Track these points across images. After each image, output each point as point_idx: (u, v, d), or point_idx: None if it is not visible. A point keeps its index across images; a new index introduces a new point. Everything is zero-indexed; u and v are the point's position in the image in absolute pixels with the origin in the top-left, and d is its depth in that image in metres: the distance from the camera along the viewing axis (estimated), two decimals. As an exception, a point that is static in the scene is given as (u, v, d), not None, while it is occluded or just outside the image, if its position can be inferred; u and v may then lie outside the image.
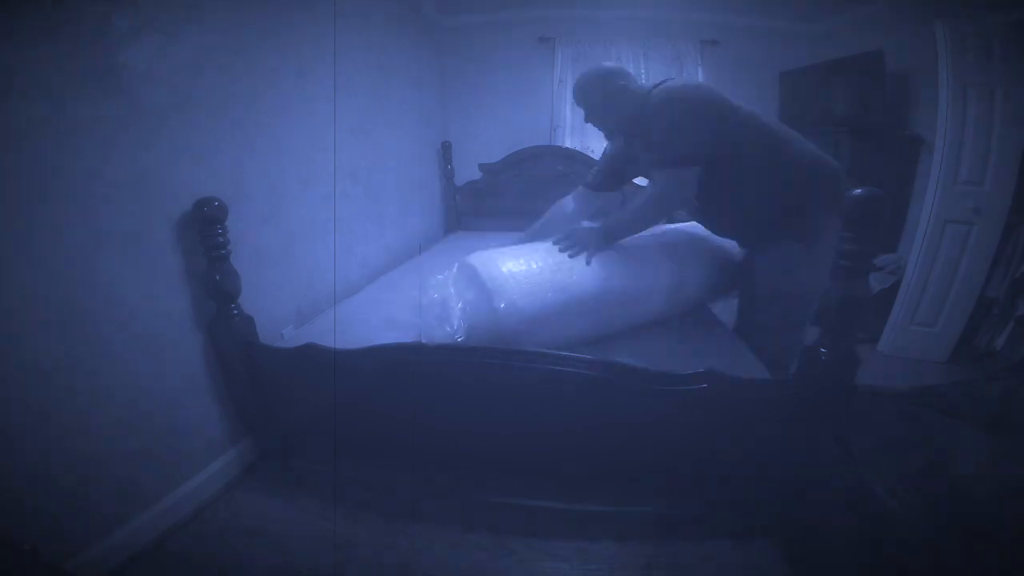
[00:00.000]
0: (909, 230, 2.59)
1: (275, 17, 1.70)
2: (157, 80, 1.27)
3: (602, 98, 1.53)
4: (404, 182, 2.90)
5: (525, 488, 1.44)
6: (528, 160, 3.48)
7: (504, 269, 1.43)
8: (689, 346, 1.51)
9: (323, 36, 1.97)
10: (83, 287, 1.13)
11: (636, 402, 1.25)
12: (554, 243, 1.57)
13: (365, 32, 2.36)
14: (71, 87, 1.08)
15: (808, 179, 1.44)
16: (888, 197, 1.12)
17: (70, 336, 1.10)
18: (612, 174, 1.79)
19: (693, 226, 1.90)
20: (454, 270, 1.58)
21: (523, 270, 1.44)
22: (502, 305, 1.37)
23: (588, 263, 1.48)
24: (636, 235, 1.62)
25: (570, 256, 1.50)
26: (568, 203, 1.86)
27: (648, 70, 3.38)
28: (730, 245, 1.82)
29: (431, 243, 3.12)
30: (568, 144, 3.50)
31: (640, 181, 1.93)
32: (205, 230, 1.36)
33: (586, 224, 1.69)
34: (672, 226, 2.00)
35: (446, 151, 3.44)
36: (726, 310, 1.93)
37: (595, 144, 3.51)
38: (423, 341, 1.38)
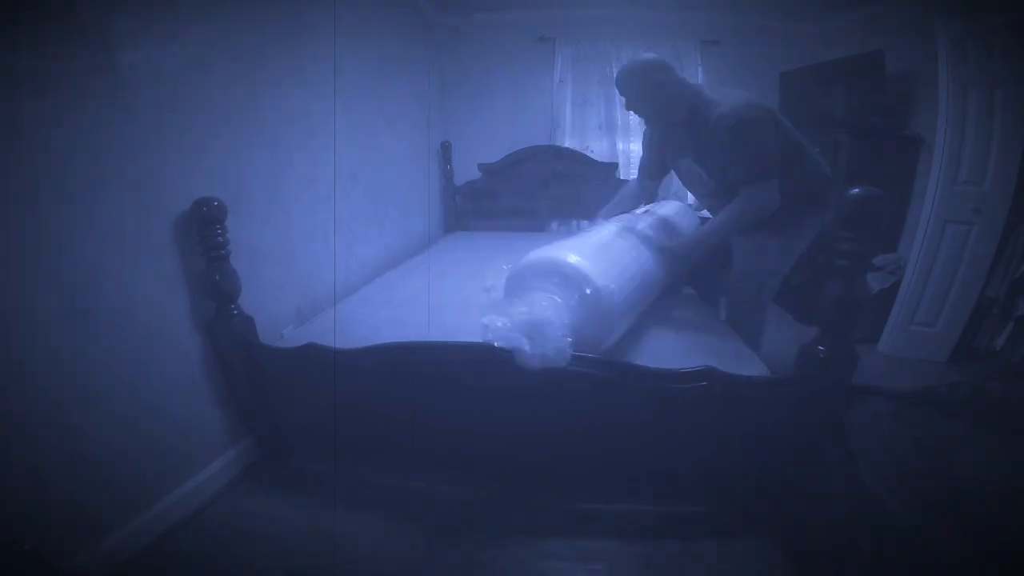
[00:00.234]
0: (909, 230, 2.59)
1: (275, 17, 1.70)
2: (157, 80, 1.27)
3: (639, 92, 1.64)
4: (404, 182, 2.90)
5: (525, 487, 1.44)
6: (527, 160, 3.48)
7: (587, 259, 1.34)
8: (688, 344, 1.51)
9: (323, 36, 1.97)
10: (83, 287, 1.13)
11: (635, 400, 1.25)
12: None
13: (365, 32, 2.36)
14: (71, 87, 1.08)
15: (806, 183, 1.62)
16: (888, 197, 1.12)
17: (70, 336, 1.10)
18: (656, 162, 1.95)
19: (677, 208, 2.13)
20: (517, 280, 1.39)
21: (600, 255, 1.42)
22: (609, 287, 1.29)
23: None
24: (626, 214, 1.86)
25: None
26: (632, 186, 2.12)
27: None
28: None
29: (431, 243, 3.12)
30: (568, 144, 3.50)
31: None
32: (204, 230, 1.36)
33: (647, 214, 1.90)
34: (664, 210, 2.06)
35: (445, 151, 3.44)
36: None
37: (595, 144, 3.51)
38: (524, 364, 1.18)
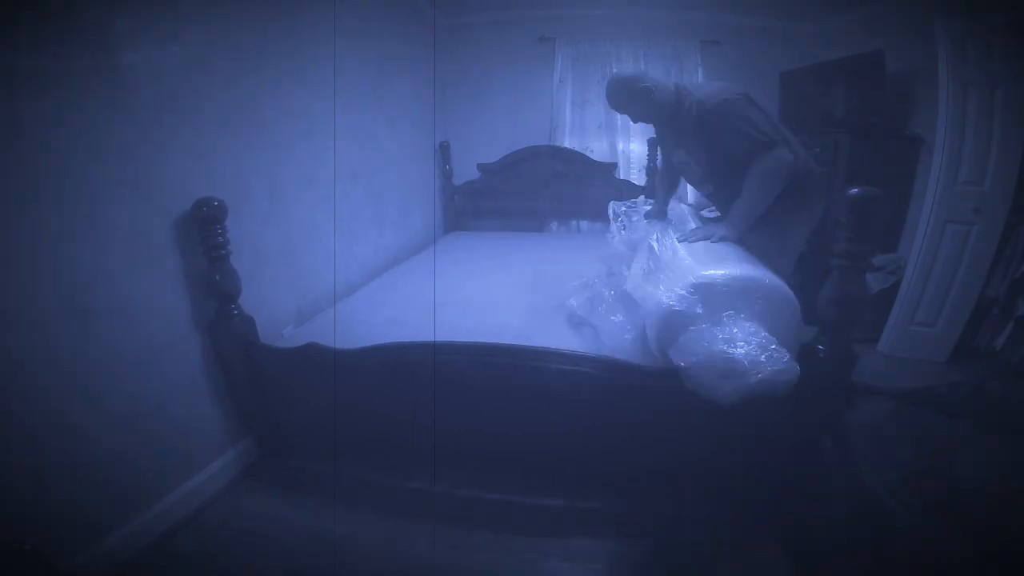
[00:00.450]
0: (909, 230, 2.59)
1: (275, 17, 1.70)
2: (157, 80, 1.27)
3: (627, 99, 1.71)
4: (403, 182, 2.90)
5: (526, 487, 1.44)
6: (527, 160, 3.48)
7: (751, 265, 1.30)
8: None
9: (323, 36, 1.97)
10: (83, 287, 1.13)
11: (636, 400, 1.25)
12: (682, 240, 1.64)
13: (365, 32, 2.36)
14: (71, 87, 1.08)
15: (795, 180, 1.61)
16: (888, 197, 1.12)
17: (70, 336, 1.10)
18: (666, 160, 1.98)
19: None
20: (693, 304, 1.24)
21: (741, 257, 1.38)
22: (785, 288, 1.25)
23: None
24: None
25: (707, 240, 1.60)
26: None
27: (648, 70, 3.38)
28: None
29: (430, 243, 3.12)
30: (568, 144, 3.50)
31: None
32: (205, 230, 1.36)
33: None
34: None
35: (444, 151, 3.44)
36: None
37: (595, 144, 3.51)
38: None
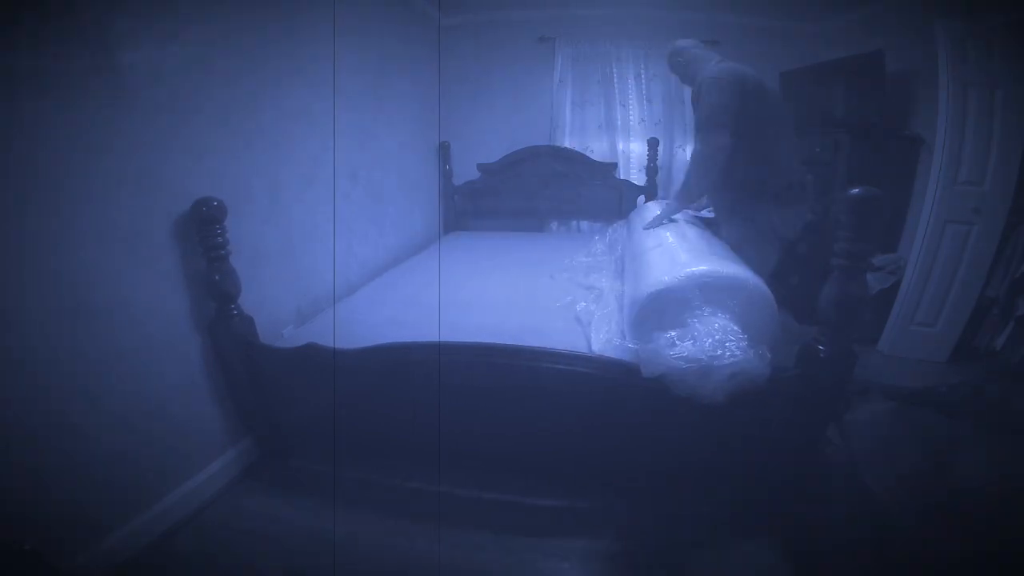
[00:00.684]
0: (909, 230, 2.59)
1: (275, 17, 1.70)
2: (157, 80, 1.27)
3: (672, 67, 1.94)
4: (403, 182, 2.90)
5: (526, 487, 1.44)
6: (527, 160, 3.48)
7: (728, 261, 1.33)
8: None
9: (323, 36, 1.97)
10: (83, 288, 1.13)
11: (634, 399, 1.25)
12: (647, 228, 1.84)
13: (365, 32, 2.36)
14: (71, 87, 1.08)
15: (773, 180, 1.72)
16: (888, 197, 1.12)
17: (70, 336, 1.10)
18: None
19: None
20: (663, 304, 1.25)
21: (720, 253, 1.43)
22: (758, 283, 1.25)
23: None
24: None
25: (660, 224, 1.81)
26: None
27: (648, 70, 3.38)
28: None
29: (430, 243, 3.12)
30: (568, 144, 3.50)
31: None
32: (204, 230, 1.36)
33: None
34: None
35: (444, 151, 3.44)
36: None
37: (595, 144, 3.51)
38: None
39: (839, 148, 2.58)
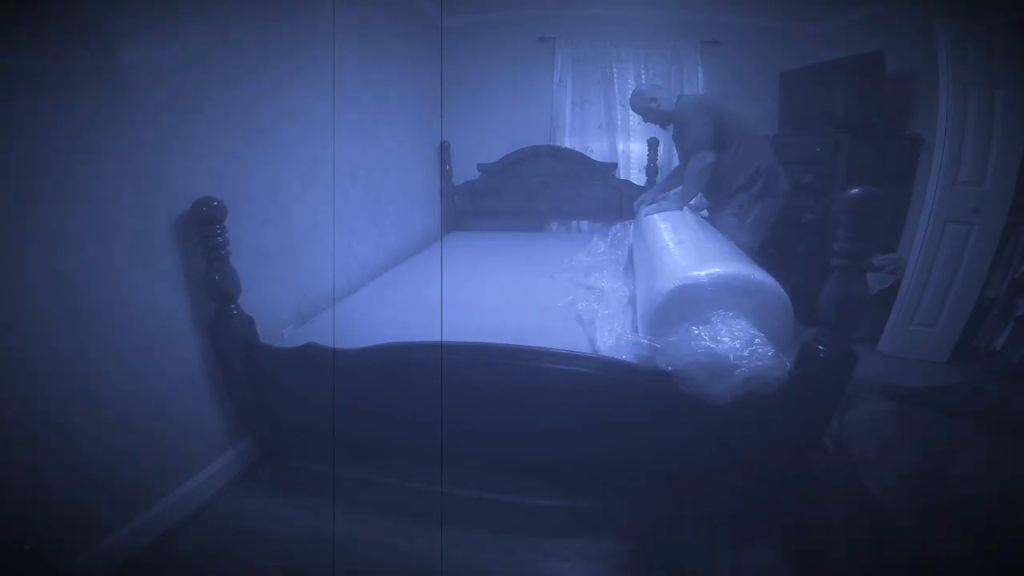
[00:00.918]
0: (909, 230, 2.59)
1: (275, 17, 1.70)
2: (157, 80, 1.27)
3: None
4: (403, 182, 2.90)
5: (526, 487, 1.44)
6: (527, 160, 3.48)
7: (741, 263, 1.32)
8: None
9: (323, 36, 1.97)
10: (83, 287, 1.13)
11: (635, 399, 1.25)
12: (646, 214, 2.24)
13: (365, 32, 2.36)
14: (71, 87, 1.08)
15: (743, 170, 2.15)
16: (887, 197, 1.12)
17: (70, 336, 1.10)
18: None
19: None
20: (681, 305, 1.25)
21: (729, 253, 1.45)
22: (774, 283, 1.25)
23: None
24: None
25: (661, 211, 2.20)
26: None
27: (648, 70, 3.38)
28: None
29: (430, 243, 3.12)
30: (568, 144, 3.50)
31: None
32: (204, 230, 1.36)
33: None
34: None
35: (444, 151, 3.44)
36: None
37: (595, 144, 3.51)
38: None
39: (839, 148, 2.58)
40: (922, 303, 2.41)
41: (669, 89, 2.94)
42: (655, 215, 2.16)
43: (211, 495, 1.47)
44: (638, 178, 3.45)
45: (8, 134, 0.98)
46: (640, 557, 1.28)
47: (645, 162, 3.34)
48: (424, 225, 3.22)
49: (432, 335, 1.37)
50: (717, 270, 1.26)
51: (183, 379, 1.41)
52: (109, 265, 1.18)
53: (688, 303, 1.23)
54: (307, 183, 1.91)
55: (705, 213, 2.38)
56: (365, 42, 2.37)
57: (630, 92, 3.12)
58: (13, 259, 1.00)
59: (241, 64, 1.55)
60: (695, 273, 1.26)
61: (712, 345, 1.11)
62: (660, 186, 2.61)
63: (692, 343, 1.13)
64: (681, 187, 2.29)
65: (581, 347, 1.39)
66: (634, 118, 3.44)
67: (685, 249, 1.52)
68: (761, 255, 2.20)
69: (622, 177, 3.49)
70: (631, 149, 3.50)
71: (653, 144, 3.28)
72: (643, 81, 3.36)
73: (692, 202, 2.43)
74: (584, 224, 3.61)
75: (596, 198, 3.44)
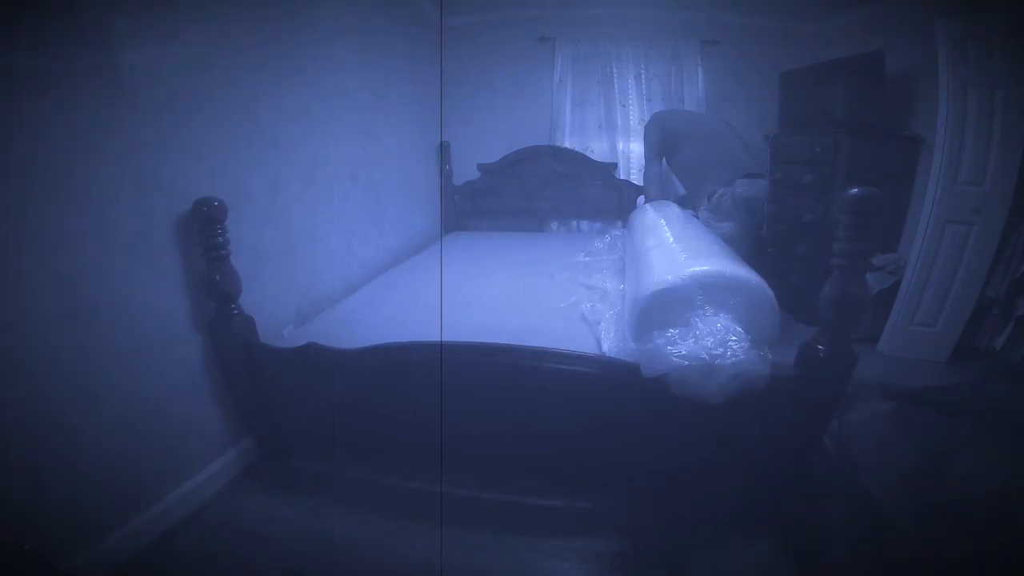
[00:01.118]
0: (909, 230, 2.58)
1: (275, 17, 1.70)
2: (157, 80, 1.27)
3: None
4: (403, 182, 2.90)
5: (526, 487, 1.44)
6: (527, 160, 3.48)
7: (729, 260, 1.35)
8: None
9: (323, 36, 1.97)
10: (83, 287, 1.13)
11: (635, 399, 1.25)
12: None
13: (365, 32, 2.36)
14: (71, 87, 1.08)
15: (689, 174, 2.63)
16: (887, 197, 1.12)
17: (70, 336, 1.10)
18: None
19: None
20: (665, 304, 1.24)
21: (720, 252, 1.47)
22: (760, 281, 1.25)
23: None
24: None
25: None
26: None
27: (648, 70, 3.38)
28: None
29: (430, 243, 3.12)
30: (568, 144, 3.50)
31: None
32: (204, 230, 1.36)
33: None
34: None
35: (444, 151, 3.44)
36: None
37: (595, 144, 3.51)
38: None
39: (839, 148, 2.58)
40: (922, 303, 2.41)
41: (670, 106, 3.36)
42: (639, 214, 2.35)
43: (211, 495, 1.47)
44: (638, 178, 3.45)
45: (8, 134, 0.98)
46: (640, 557, 1.28)
47: (645, 163, 3.34)
48: (424, 225, 3.22)
49: (432, 335, 1.37)
50: (694, 269, 1.26)
51: (183, 379, 1.41)
52: (109, 265, 1.18)
53: (667, 308, 1.23)
54: (307, 183, 1.91)
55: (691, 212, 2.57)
56: (365, 42, 2.37)
57: (631, 92, 3.31)
58: (13, 259, 1.00)
59: (241, 64, 1.55)
60: (671, 277, 1.27)
61: (690, 347, 1.11)
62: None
63: (666, 349, 1.13)
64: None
65: (583, 347, 1.39)
66: (634, 118, 3.45)
67: (664, 251, 1.52)
68: (750, 244, 2.47)
69: (622, 177, 3.49)
70: (631, 149, 3.50)
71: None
72: (643, 81, 3.37)
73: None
74: (584, 224, 3.61)
75: (596, 198, 3.44)
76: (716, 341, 1.11)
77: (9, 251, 0.99)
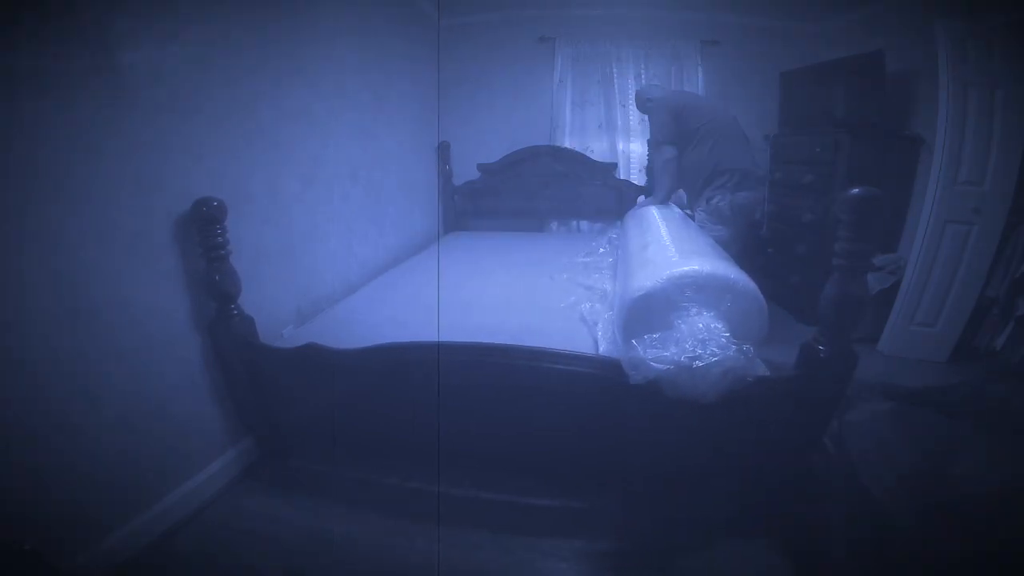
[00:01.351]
0: (909, 230, 2.59)
1: (275, 17, 1.70)
2: (157, 80, 1.27)
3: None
4: (403, 182, 2.90)
5: (524, 487, 1.44)
6: (527, 160, 3.48)
7: (718, 260, 1.34)
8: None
9: (323, 36, 1.97)
10: (83, 287, 1.13)
11: (633, 399, 1.25)
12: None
13: (365, 32, 2.36)
14: (71, 87, 1.08)
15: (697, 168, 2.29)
16: (887, 197, 1.12)
17: (70, 336, 1.10)
18: None
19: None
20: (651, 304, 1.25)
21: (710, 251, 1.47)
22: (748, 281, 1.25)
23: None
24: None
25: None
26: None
27: (648, 70, 3.38)
28: None
29: (430, 243, 3.12)
30: (568, 144, 3.50)
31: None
32: (204, 230, 1.36)
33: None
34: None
35: (444, 151, 3.44)
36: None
37: (595, 144, 3.51)
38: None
39: (839, 148, 2.58)
40: (922, 303, 2.41)
41: (668, 87, 3.08)
42: (633, 215, 2.27)
43: (211, 495, 1.47)
44: (638, 178, 3.45)
45: (8, 134, 0.98)
46: (638, 558, 1.28)
47: (645, 162, 3.34)
48: (424, 225, 3.22)
49: (432, 335, 1.37)
50: (674, 272, 1.26)
51: (183, 379, 1.41)
52: (109, 265, 1.18)
53: (652, 312, 1.23)
54: (307, 183, 1.91)
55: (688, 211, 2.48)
56: (365, 42, 2.37)
57: (631, 92, 3.18)
58: (13, 259, 1.00)
59: (241, 64, 1.55)
60: (651, 283, 1.26)
61: (670, 351, 1.11)
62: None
63: (645, 356, 1.13)
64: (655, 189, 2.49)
65: (581, 348, 1.39)
66: (634, 118, 3.45)
67: (649, 254, 1.52)
68: (744, 249, 2.32)
69: (622, 177, 3.49)
70: (631, 149, 3.50)
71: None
72: (643, 81, 3.36)
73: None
74: (584, 224, 3.61)
75: (596, 198, 3.44)
76: (696, 342, 1.10)
77: (9, 251, 0.99)
